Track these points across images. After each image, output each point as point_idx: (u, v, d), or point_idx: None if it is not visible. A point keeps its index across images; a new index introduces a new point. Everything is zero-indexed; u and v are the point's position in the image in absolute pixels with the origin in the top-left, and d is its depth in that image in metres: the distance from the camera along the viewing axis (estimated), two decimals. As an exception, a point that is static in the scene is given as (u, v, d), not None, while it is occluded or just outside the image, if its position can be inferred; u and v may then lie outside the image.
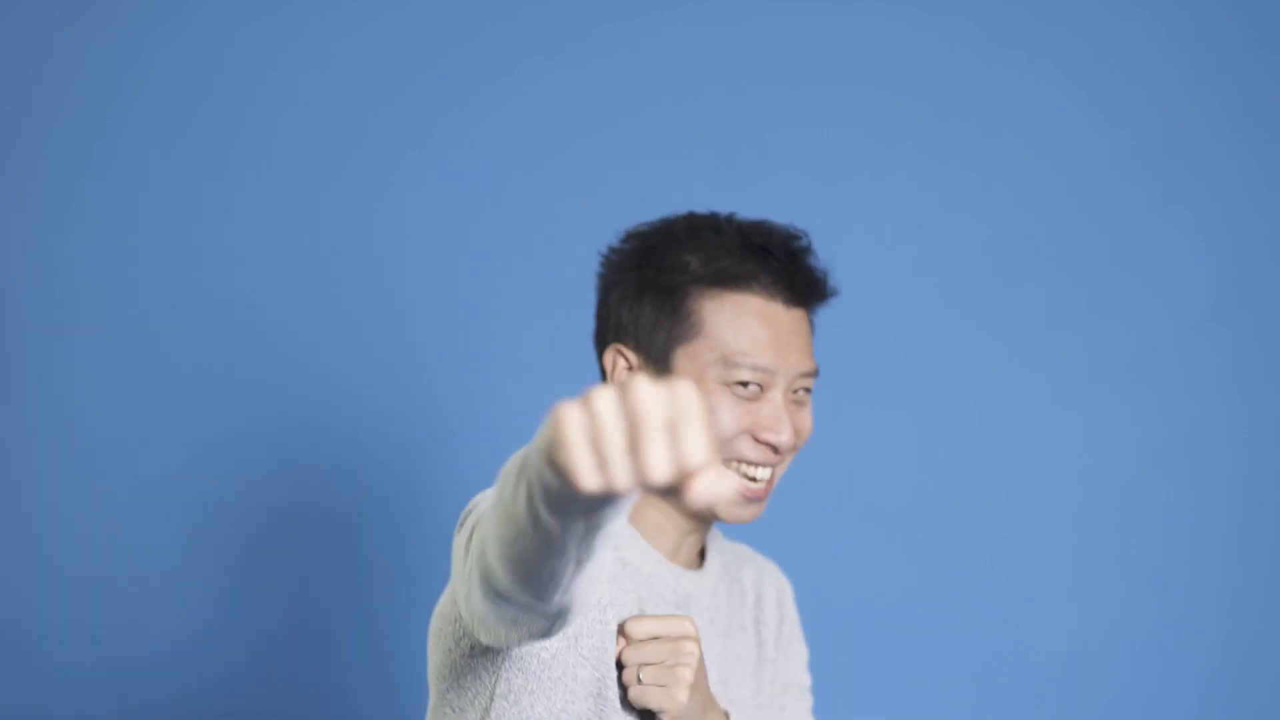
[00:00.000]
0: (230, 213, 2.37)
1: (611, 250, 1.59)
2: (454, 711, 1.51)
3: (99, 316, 2.35)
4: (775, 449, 1.53)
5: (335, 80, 2.39)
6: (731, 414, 1.52)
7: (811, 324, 1.61)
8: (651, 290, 1.54)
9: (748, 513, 1.56)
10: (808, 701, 1.76)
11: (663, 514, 1.57)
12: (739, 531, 1.77)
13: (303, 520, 2.36)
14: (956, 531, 2.46)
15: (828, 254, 2.49)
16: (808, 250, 1.58)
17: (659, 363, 1.54)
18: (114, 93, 2.36)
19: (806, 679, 1.76)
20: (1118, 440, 2.48)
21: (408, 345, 2.39)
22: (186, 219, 2.37)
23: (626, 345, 1.56)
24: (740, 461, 1.54)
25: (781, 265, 1.54)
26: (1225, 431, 2.49)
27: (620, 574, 1.53)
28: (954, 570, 2.45)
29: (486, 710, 1.48)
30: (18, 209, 2.35)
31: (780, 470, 1.58)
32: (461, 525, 1.41)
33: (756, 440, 1.53)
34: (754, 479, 1.54)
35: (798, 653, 1.75)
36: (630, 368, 1.56)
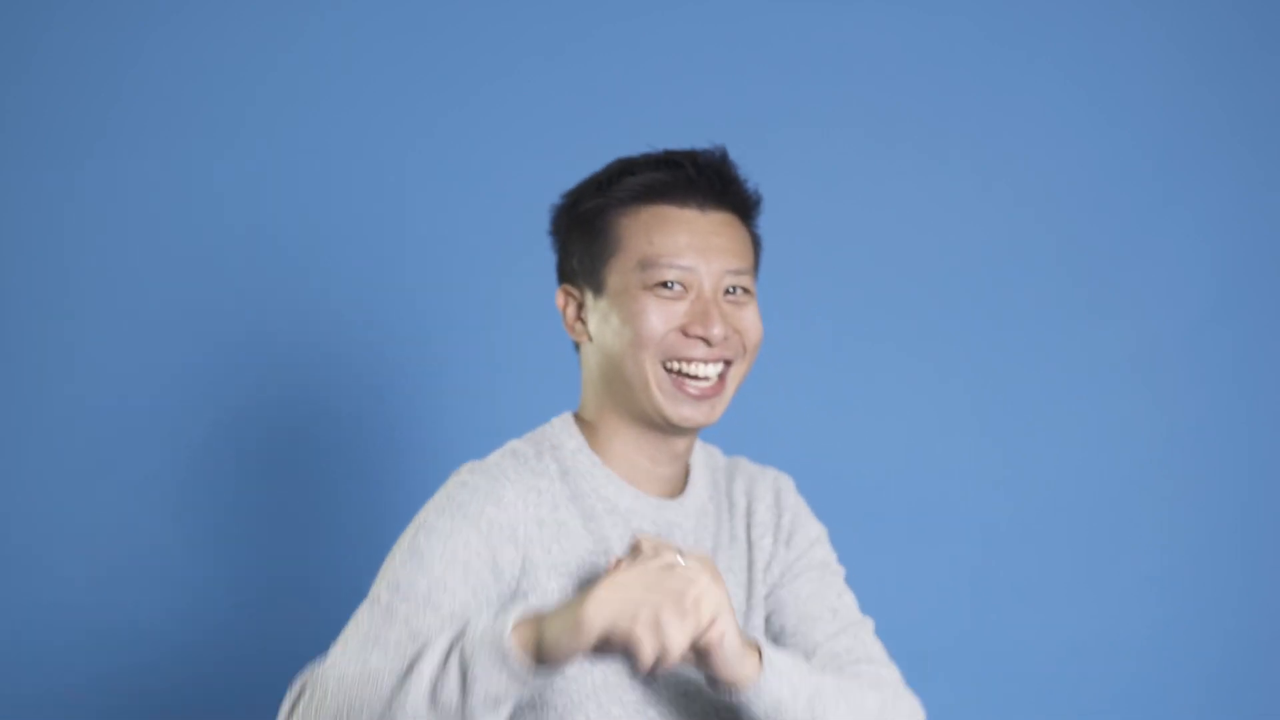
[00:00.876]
0: (228, 211, 2.37)
1: (552, 210, 1.68)
2: None
3: (98, 311, 2.36)
4: (707, 341, 1.58)
5: (335, 80, 2.39)
6: (659, 314, 1.58)
7: (752, 236, 1.66)
8: (579, 226, 1.63)
9: (694, 412, 1.59)
10: (837, 580, 1.74)
11: (629, 446, 1.62)
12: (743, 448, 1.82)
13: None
14: (957, 531, 2.46)
15: (828, 253, 2.50)
16: (718, 158, 1.64)
17: (596, 288, 1.62)
18: (114, 93, 2.36)
19: (823, 553, 1.74)
20: (1118, 440, 2.48)
21: (407, 345, 2.39)
22: (186, 218, 2.37)
23: (572, 284, 1.65)
24: (679, 360, 1.59)
25: (688, 173, 1.61)
26: (1225, 431, 2.49)
27: (597, 513, 1.58)
28: (954, 570, 2.45)
29: None
30: (17, 207, 2.35)
31: (735, 374, 1.62)
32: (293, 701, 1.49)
33: (687, 335, 1.58)
34: (696, 376, 1.59)
35: (810, 531, 1.75)
36: (579, 303, 1.64)
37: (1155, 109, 2.49)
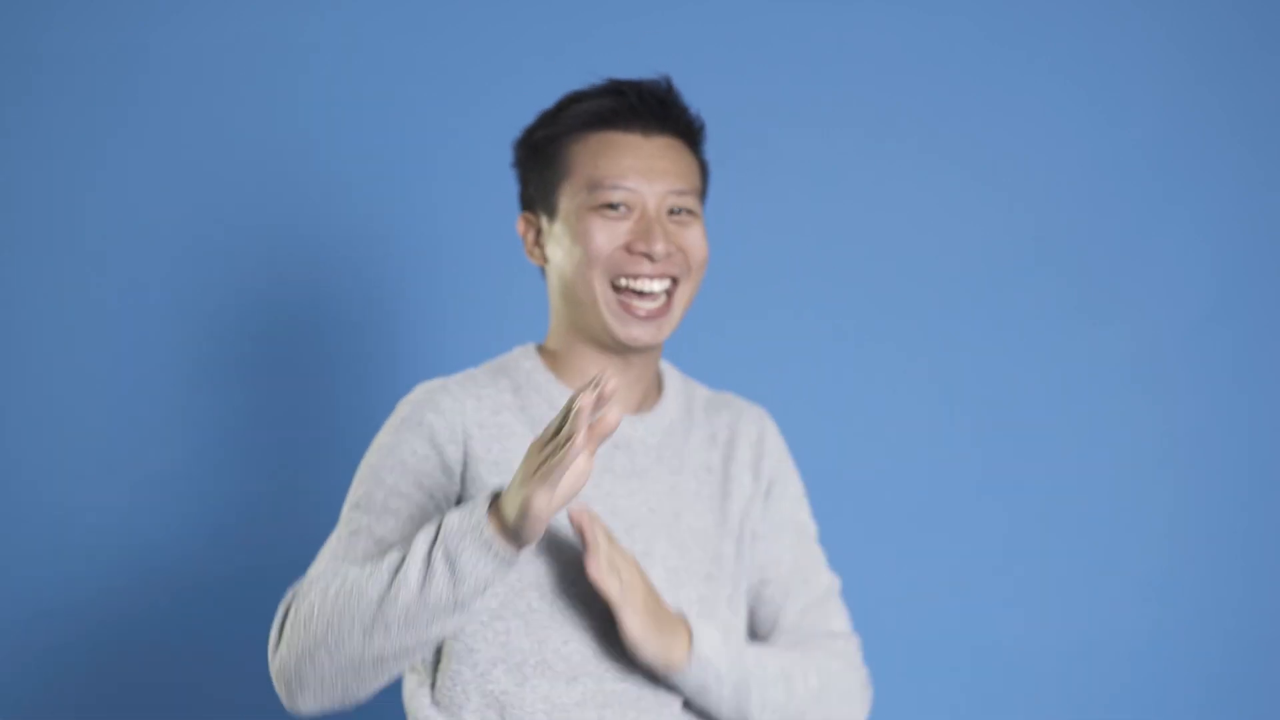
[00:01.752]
0: (227, 210, 2.37)
1: (513, 143, 1.77)
2: None
3: (99, 303, 2.36)
4: (651, 258, 1.65)
5: (335, 81, 2.39)
6: (605, 233, 1.66)
7: (699, 161, 1.75)
8: (533, 154, 1.73)
9: (642, 332, 1.67)
10: (813, 544, 1.85)
11: (588, 362, 1.71)
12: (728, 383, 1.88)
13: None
14: (956, 531, 2.46)
15: (827, 253, 2.50)
16: (662, 87, 1.72)
17: (550, 212, 1.71)
18: (113, 93, 2.36)
19: (804, 515, 1.85)
20: (1118, 440, 2.48)
21: (405, 349, 2.40)
22: (186, 221, 2.37)
23: (530, 211, 1.74)
24: (625, 277, 1.66)
25: (631, 101, 1.70)
26: (1225, 431, 2.49)
27: (546, 421, 1.66)
28: (954, 571, 2.45)
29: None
30: (16, 201, 2.36)
31: (682, 294, 1.70)
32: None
33: (631, 253, 1.66)
34: (642, 293, 1.67)
35: (790, 488, 1.84)
36: (537, 229, 1.73)
37: (1155, 109, 2.49)
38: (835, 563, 2.49)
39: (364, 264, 2.39)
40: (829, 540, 2.23)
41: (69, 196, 2.35)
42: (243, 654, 2.34)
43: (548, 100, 2.41)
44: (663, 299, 1.68)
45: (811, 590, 1.81)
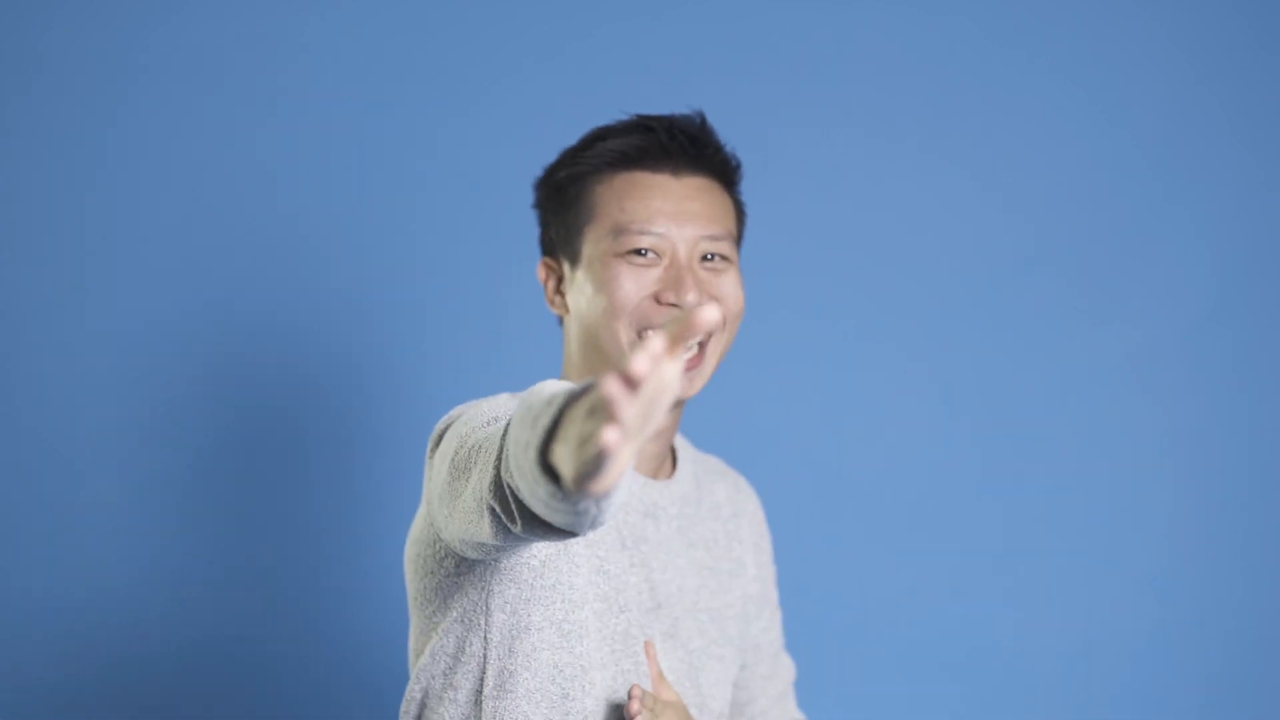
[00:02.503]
0: (225, 211, 2.37)
1: (534, 183, 1.65)
2: (446, 634, 1.51)
3: (99, 310, 2.36)
4: (681, 309, 1.50)
5: (335, 81, 2.39)
6: (632, 281, 1.53)
7: (734, 202, 1.62)
8: (555, 196, 1.60)
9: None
10: (780, 625, 1.79)
11: None
12: (714, 446, 1.83)
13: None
14: (955, 531, 2.46)
15: (827, 253, 2.50)
16: (694, 124, 1.60)
17: (573, 258, 1.58)
18: (113, 93, 2.36)
19: (776, 595, 1.78)
20: (1118, 440, 2.48)
21: (405, 345, 2.40)
22: (185, 221, 2.36)
23: (551, 256, 1.61)
24: (653, 329, 1.52)
25: (660, 138, 1.57)
26: (1225, 431, 2.49)
27: None
28: (955, 571, 2.45)
29: (486, 626, 1.48)
30: (16, 207, 2.35)
31: (716, 346, 1.56)
32: (436, 445, 1.43)
33: (660, 303, 1.53)
34: None
35: (772, 569, 1.77)
36: (558, 276, 1.60)
37: (1155, 109, 2.49)
38: (836, 562, 2.49)
39: (364, 262, 2.39)
40: (830, 541, 2.24)
41: (69, 196, 2.35)
42: (242, 655, 2.34)
43: (547, 103, 2.42)
44: (694, 350, 1.54)
45: (782, 676, 1.76)
